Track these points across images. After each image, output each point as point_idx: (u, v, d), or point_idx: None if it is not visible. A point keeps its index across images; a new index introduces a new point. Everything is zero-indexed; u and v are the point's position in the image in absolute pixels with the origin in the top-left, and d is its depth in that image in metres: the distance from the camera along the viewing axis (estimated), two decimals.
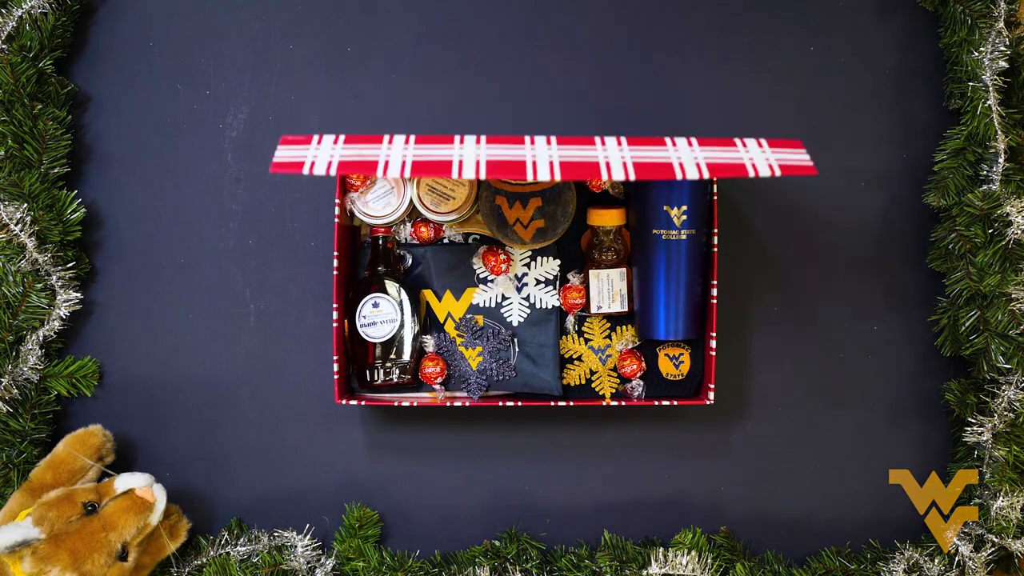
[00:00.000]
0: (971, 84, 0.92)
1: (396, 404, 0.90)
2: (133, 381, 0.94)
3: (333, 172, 0.64)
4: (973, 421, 0.92)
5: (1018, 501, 0.90)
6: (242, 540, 0.91)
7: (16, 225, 0.88)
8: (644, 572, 0.89)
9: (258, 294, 0.95)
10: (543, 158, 0.63)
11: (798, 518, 0.96)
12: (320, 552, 0.92)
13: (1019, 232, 0.89)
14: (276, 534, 0.92)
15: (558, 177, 0.62)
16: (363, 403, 0.88)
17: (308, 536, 0.91)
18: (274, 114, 0.95)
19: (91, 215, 0.94)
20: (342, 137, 0.68)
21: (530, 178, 0.63)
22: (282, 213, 0.95)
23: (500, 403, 0.88)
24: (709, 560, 0.90)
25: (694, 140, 0.68)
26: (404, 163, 0.64)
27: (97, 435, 0.88)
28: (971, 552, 0.90)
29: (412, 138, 0.68)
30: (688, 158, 0.64)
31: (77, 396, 0.93)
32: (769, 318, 0.96)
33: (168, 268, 0.94)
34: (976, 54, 0.91)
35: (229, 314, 0.95)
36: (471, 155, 0.63)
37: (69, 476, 0.86)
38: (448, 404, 0.90)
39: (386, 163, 0.64)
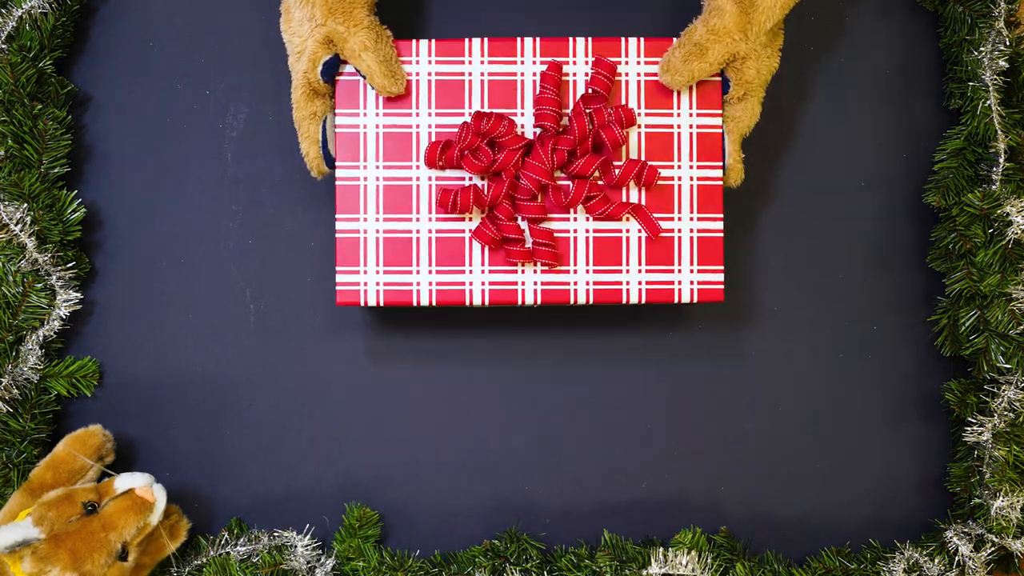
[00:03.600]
0: (971, 84, 0.92)
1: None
2: (133, 381, 0.94)
3: (382, 302, 0.85)
4: (973, 421, 0.92)
5: (1018, 501, 0.90)
6: (242, 540, 0.91)
7: (16, 225, 0.88)
8: (644, 572, 0.89)
9: (258, 294, 0.95)
10: (529, 285, 0.85)
11: (798, 518, 0.96)
12: (320, 552, 0.92)
13: (1019, 232, 0.89)
14: (276, 534, 0.92)
15: (539, 302, 0.85)
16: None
17: (308, 536, 0.91)
18: (274, 114, 0.95)
19: (91, 215, 0.94)
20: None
21: (519, 302, 0.85)
22: (282, 213, 0.95)
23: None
24: (709, 560, 0.90)
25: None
26: (431, 292, 0.85)
27: (97, 435, 0.88)
28: (971, 552, 0.90)
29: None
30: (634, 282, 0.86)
31: (77, 396, 0.93)
32: (768, 318, 0.96)
33: (168, 268, 0.94)
34: (976, 54, 0.91)
35: (229, 314, 0.95)
36: (478, 283, 0.86)
37: (69, 476, 0.86)
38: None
39: (417, 292, 0.86)
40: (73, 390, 0.92)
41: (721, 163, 0.86)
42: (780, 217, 0.96)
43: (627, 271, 0.86)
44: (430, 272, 0.85)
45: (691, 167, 0.86)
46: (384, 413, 0.95)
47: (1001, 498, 0.90)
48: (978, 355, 0.92)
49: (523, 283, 0.85)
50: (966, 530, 0.91)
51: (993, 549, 0.90)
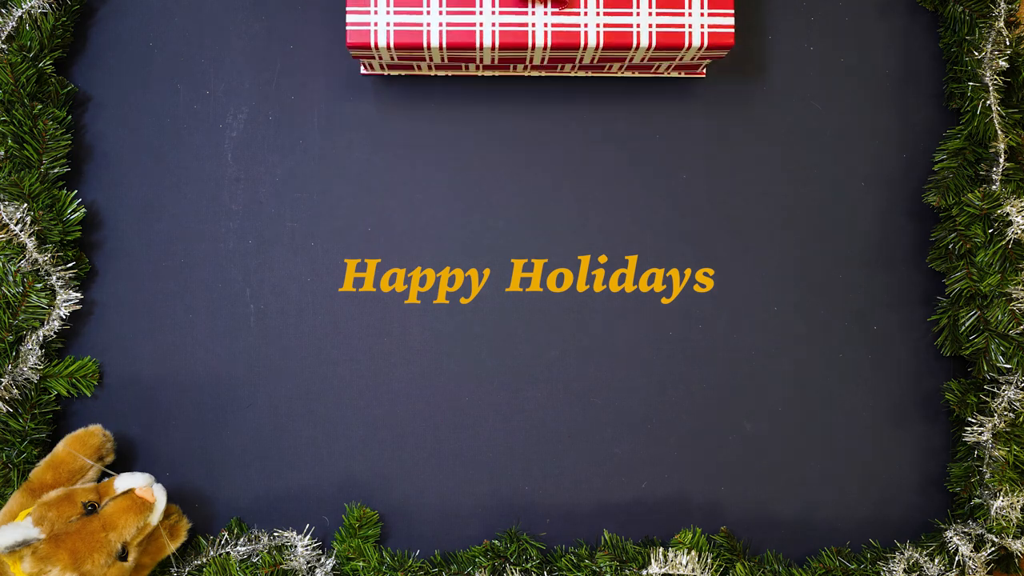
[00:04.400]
0: (971, 84, 0.92)
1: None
2: (133, 381, 0.94)
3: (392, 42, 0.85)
4: (973, 421, 0.92)
5: (1018, 501, 0.90)
6: (242, 540, 0.91)
7: (16, 225, 0.88)
8: (644, 572, 0.89)
9: (258, 294, 0.95)
10: (540, 27, 0.86)
11: (798, 518, 0.96)
12: (320, 552, 0.92)
13: (1019, 232, 0.89)
14: (276, 534, 0.92)
15: (549, 44, 0.86)
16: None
17: (308, 536, 0.92)
18: (274, 114, 0.95)
19: (91, 215, 0.94)
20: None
21: (529, 44, 0.85)
22: (282, 213, 0.95)
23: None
24: (709, 560, 0.90)
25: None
26: (441, 32, 0.85)
27: (97, 435, 0.88)
28: (971, 552, 0.90)
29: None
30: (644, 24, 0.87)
31: (77, 396, 0.93)
32: (769, 318, 0.96)
33: (168, 268, 0.94)
34: (976, 54, 0.91)
35: (229, 314, 0.95)
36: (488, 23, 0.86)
37: (69, 476, 0.86)
38: None
39: (428, 33, 0.86)
40: (73, 390, 0.92)
41: None
42: (779, 216, 0.96)
43: (637, 13, 0.86)
44: (440, 12, 0.85)
45: None
46: (384, 413, 0.95)
47: (1001, 498, 0.90)
48: (978, 355, 0.92)
49: (533, 24, 0.85)
50: (966, 530, 0.91)
51: (993, 549, 0.90)
